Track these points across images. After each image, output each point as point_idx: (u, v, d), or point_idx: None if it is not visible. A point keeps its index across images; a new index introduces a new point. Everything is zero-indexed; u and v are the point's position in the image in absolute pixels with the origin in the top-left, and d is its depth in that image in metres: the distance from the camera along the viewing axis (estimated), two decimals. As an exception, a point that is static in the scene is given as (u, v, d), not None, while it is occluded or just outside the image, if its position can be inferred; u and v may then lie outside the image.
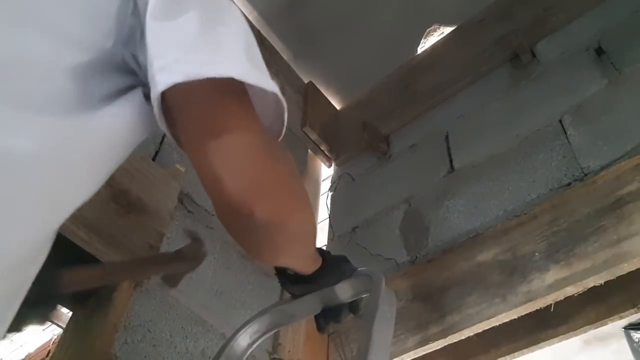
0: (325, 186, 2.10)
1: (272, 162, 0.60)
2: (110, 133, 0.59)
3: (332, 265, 0.89)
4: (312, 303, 0.93)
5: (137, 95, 0.61)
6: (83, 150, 0.56)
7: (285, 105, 0.64)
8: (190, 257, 0.99)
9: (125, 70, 0.62)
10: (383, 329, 0.84)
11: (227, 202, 0.58)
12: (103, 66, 0.59)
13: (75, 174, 0.57)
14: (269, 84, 0.61)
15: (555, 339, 1.39)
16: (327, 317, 0.93)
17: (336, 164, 2.13)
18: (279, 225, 0.61)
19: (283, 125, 0.66)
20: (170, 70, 0.55)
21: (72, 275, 0.84)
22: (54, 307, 0.85)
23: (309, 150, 2.10)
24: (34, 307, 0.77)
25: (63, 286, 0.82)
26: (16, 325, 0.73)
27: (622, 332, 2.59)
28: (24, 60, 0.54)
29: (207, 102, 0.58)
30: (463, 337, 1.30)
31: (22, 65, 0.54)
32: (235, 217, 0.59)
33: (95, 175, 0.60)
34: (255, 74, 0.59)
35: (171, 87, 0.55)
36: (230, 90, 0.59)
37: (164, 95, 0.56)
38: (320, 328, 0.95)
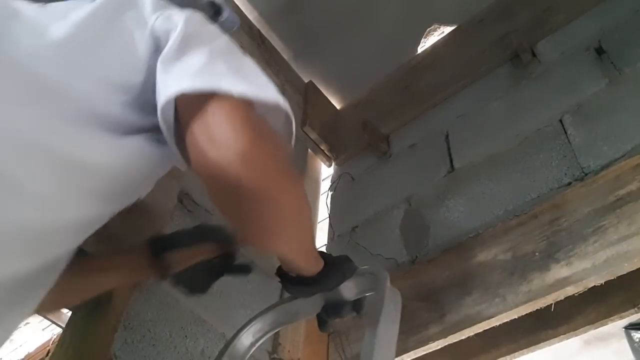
0: (325, 186, 2.10)
1: (258, 136, 0.62)
2: (135, 157, 0.68)
3: (334, 267, 0.89)
4: (315, 301, 0.92)
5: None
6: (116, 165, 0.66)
7: (291, 114, 0.70)
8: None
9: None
10: (389, 327, 0.83)
11: (215, 173, 0.61)
12: (140, 105, 0.69)
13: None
14: (270, 96, 0.65)
15: (556, 338, 1.39)
16: (329, 313, 0.93)
17: (336, 164, 2.13)
18: (267, 198, 0.63)
19: (292, 133, 0.72)
20: (177, 85, 0.62)
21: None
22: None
23: (309, 150, 2.10)
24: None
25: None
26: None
27: (622, 332, 2.58)
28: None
29: (207, 107, 0.62)
30: (463, 337, 1.30)
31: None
32: (225, 187, 0.61)
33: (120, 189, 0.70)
34: (254, 89, 0.64)
35: (179, 99, 0.63)
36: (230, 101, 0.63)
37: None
38: (322, 325, 0.95)
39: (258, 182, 0.61)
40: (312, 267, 0.86)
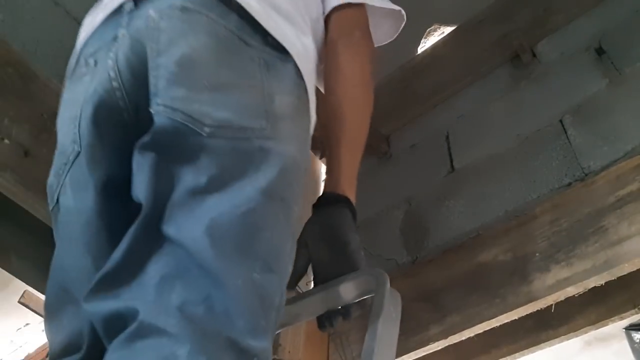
0: (325, 186, 2.09)
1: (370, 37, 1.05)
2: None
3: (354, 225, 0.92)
4: (316, 303, 0.92)
5: None
6: None
7: (404, 16, 1.12)
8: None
9: None
10: (388, 330, 0.83)
11: (340, 56, 1.02)
12: None
13: None
14: (393, 6, 1.09)
15: (556, 339, 1.39)
16: (332, 315, 0.91)
17: (336, 164, 2.12)
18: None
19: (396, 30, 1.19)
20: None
21: None
22: None
23: (310, 151, 2.09)
24: None
25: None
26: None
27: (622, 333, 2.59)
28: None
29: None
30: (463, 338, 1.30)
31: None
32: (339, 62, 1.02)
33: None
34: (379, 2, 1.06)
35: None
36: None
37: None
38: (322, 326, 0.94)
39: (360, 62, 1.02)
40: (352, 173, 0.99)
